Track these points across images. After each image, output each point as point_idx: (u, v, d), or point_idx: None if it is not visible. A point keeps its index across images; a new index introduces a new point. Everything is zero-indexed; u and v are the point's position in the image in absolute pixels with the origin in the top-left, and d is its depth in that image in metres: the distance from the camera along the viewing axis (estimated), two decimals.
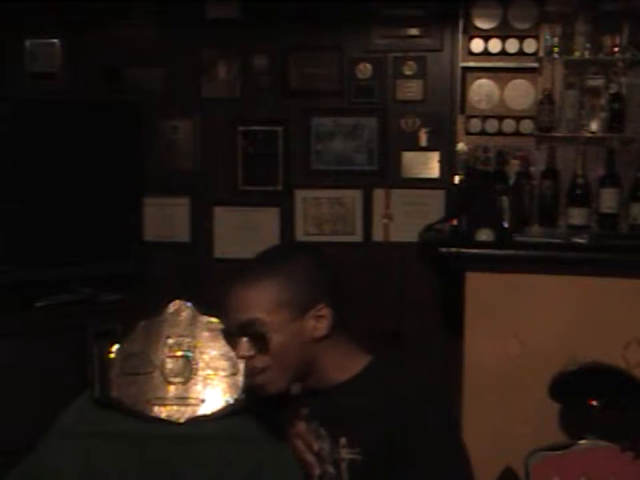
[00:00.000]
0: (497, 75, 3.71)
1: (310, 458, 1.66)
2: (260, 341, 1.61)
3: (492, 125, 3.70)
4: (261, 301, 1.61)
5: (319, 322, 1.64)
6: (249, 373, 1.69)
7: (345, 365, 1.67)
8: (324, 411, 1.67)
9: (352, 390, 1.65)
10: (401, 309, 3.78)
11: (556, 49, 3.60)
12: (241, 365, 2.00)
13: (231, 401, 2.00)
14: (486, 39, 3.65)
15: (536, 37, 3.63)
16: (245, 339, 1.62)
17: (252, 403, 1.91)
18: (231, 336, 1.68)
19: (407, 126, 3.81)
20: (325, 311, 1.63)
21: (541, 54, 3.63)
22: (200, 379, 2.01)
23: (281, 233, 3.92)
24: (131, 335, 2.09)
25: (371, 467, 1.59)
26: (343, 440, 1.62)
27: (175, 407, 2.01)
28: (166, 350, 2.04)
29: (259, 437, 1.95)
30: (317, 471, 1.65)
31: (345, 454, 1.62)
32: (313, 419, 1.69)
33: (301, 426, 1.68)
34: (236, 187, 3.94)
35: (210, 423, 2.00)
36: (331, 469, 1.65)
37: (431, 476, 1.55)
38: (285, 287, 1.62)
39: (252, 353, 1.62)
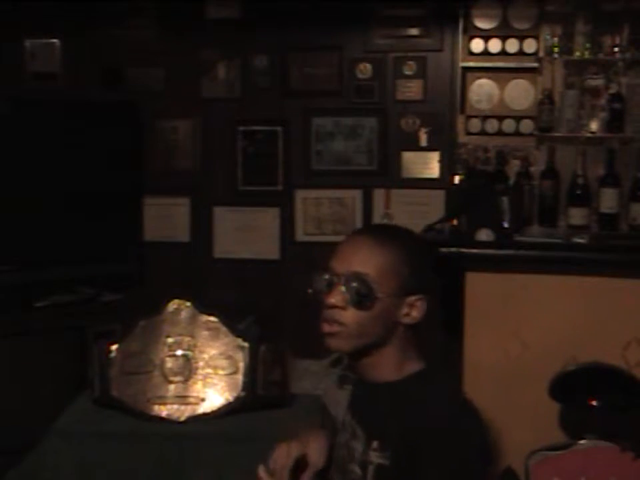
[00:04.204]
0: (497, 75, 3.71)
1: None
2: (358, 298, 1.59)
3: (492, 125, 3.70)
4: (381, 261, 1.60)
5: (412, 310, 1.64)
6: (325, 321, 1.63)
7: (400, 365, 1.66)
8: (364, 409, 1.66)
9: (394, 393, 1.63)
10: None
11: (556, 49, 3.60)
12: (241, 364, 2.00)
13: (231, 400, 2.00)
14: (486, 38, 3.65)
15: (536, 37, 3.63)
16: (343, 289, 1.60)
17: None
18: (323, 281, 1.63)
19: (406, 126, 3.81)
20: (421, 303, 1.65)
21: (541, 54, 3.63)
22: (200, 377, 2.02)
23: (281, 233, 3.92)
24: (131, 335, 2.10)
25: (397, 475, 1.57)
26: (375, 443, 1.60)
27: (175, 406, 2.01)
28: (166, 349, 2.05)
29: (260, 436, 1.95)
30: None
31: (374, 457, 1.60)
32: (354, 418, 1.67)
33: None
34: (236, 187, 3.94)
35: (210, 421, 2.01)
36: (357, 469, 1.63)
37: None
38: (405, 260, 1.62)
39: (343, 304, 1.60)
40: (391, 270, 1.60)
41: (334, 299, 1.60)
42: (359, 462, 1.63)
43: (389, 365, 1.65)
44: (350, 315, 1.60)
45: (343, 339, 1.61)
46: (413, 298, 1.64)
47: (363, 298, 1.59)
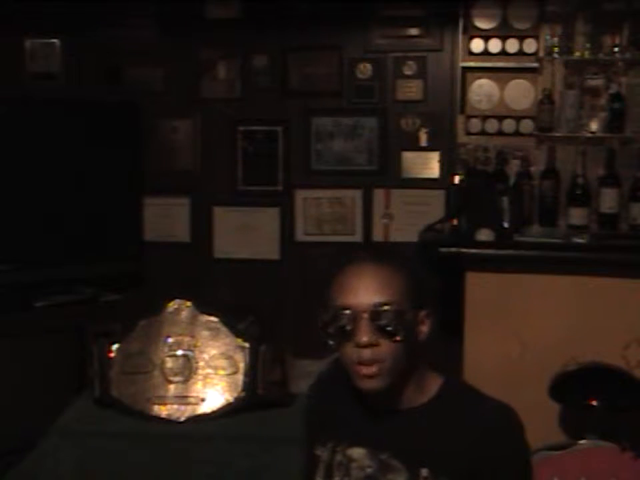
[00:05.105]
0: (497, 75, 3.71)
1: None
2: (389, 329, 1.49)
3: (492, 125, 3.70)
4: (394, 284, 1.51)
5: (423, 325, 1.57)
6: (362, 363, 1.50)
7: (423, 385, 1.58)
8: (397, 438, 1.55)
9: (431, 415, 1.55)
10: None
11: (556, 49, 3.60)
12: (241, 364, 2.00)
13: (231, 400, 2.00)
14: (486, 38, 3.65)
15: (536, 37, 3.63)
16: (369, 324, 1.48)
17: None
18: (342, 322, 1.50)
19: (407, 126, 3.81)
20: (428, 317, 1.58)
21: (541, 54, 3.63)
22: (200, 377, 2.01)
23: (281, 233, 3.92)
24: (131, 335, 2.09)
25: None
26: (424, 471, 1.50)
27: (175, 406, 2.01)
28: (166, 349, 2.05)
29: (260, 436, 1.95)
30: None
31: None
32: (380, 450, 1.55)
33: None
34: (236, 187, 3.94)
35: (210, 422, 2.00)
36: None
37: None
38: (408, 276, 1.54)
39: (375, 341, 1.49)
40: (404, 290, 1.53)
41: (365, 337, 1.48)
42: None
43: (413, 387, 1.57)
44: (385, 350, 1.50)
45: (383, 376, 1.51)
46: (422, 313, 1.57)
47: (393, 328, 1.49)
